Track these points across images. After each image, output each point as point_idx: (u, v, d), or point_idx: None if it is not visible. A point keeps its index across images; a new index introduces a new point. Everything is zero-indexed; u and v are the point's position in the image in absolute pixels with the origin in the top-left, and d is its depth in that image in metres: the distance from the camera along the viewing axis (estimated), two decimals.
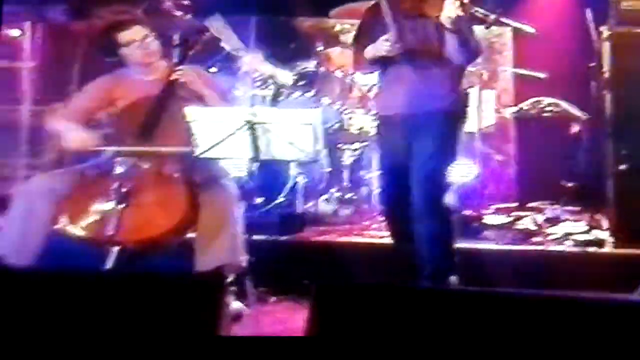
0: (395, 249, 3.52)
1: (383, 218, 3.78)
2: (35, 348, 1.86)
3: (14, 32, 4.66)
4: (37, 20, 4.90)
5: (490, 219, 4.31)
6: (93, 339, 1.86)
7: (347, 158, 4.55)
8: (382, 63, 3.40)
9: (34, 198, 3.23)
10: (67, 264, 3.07)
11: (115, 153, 3.28)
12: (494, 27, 3.83)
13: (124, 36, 3.54)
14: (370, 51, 3.35)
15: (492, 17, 3.25)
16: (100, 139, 3.43)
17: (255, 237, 3.46)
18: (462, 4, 3.11)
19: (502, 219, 4.33)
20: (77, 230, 3.15)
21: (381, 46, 3.27)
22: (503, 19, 3.55)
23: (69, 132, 3.40)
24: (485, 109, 4.77)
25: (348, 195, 4.48)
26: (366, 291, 2.05)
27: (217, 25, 4.59)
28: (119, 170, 3.11)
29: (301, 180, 4.33)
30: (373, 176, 4.46)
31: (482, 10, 3.31)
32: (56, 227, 3.21)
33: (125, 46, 3.53)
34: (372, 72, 3.68)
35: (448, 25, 3.16)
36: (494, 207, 4.60)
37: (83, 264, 3.07)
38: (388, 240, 3.64)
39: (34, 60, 4.75)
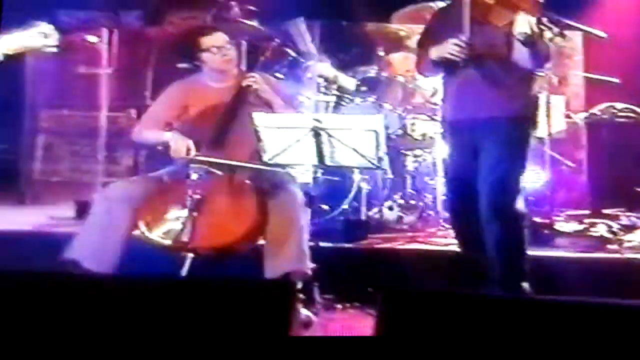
0: (462, 256, 3.47)
1: (449, 225, 3.75)
2: (115, 352, 1.92)
3: (92, 39, 4.80)
4: (113, 27, 5.00)
5: (561, 226, 4.22)
6: (169, 342, 1.90)
7: (410, 164, 4.52)
8: (447, 67, 3.36)
9: (112, 204, 3.29)
10: (146, 269, 3.12)
11: (189, 160, 3.33)
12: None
13: (205, 41, 3.58)
14: (436, 52, 3.31)
15: (560, 25, 3.20)
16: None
17: (320, 244, 3.46)
18: (535, 21, 3.08)
19: (574, 226, 4.25)
20: (155, 236, 3.22)
21: (449, 48, 3.23)
22: (573, 24, 3.48)
23: (173, 140, 3.43)
24: (555, 114, 4.66)
25: (412, 202, 4.44)
26: (434, 298, 2.03)
27: (299, 29, 4.65)
28: (193, 177, 3.16)
29: (365, 187, 4.31)
30: (437, 182, 4.41)
31: (551, 18, 3.25)
32: (135, 233, 3.28)
33: (205, 51, 3.57)
34: (435, 75, 3.67)
35: (520, 38, 3.12)
36: (565, 214, 4.51)
37: (161, 270, 3.12)
38: (454, 247, 3.59)
39: (111, 67, 4.84)
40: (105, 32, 4.84)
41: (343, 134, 3.08)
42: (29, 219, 4.28)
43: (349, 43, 5.41)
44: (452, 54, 3.23)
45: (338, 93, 4.69)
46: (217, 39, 3.59)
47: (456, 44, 3.22)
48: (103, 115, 4.74)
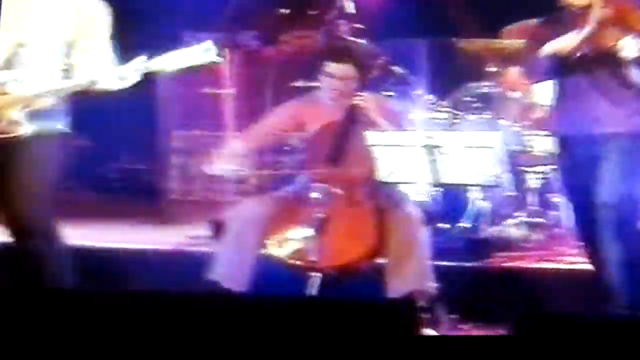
0: (592, 275, 3.30)
1: (579, 242, 3.56)
2: None
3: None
4: (233, 47, 5.13)
5: None
6: None
7: (532, 181, 4.34)
8: (559, 73, 3.21)
9: (243, 223, 3.36)
10: (275, 288, 3.24)
11: (310, 178, 3.41)
12: None
13: (334, 68, 3.57)
14: (551, 47, 3.12)
15: None
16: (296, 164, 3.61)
17: (441, 263, 3.42)
18: None
19: None
20: (283, 255, 3.29)
21: (569, 39, 3.05)
22: None
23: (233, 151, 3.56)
24: None
25: (537, 220, 4.27)
26: (570, 321, 1.95)
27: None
28: (314, 196, 3.21)
29: (484, 205, 4.19)
30: (564, 199, 4.17)
31: None
32: (264, 252, 3.36)
33: (329, 77, 3.59)
34: (544, 80, 3.53)
35: (631, 58, 3.01)
36: None
37: (289, 289, 3.23)
38: (585, 266, 3.43)
39: (232, 87, 4.95)
40: (226, 52, 5.02)
41: (458, 151, 3.03)
42: (169, 238, 4.40)
43: (457, 60, 5.35)
44: (570, 44, 3.04)
45: (450, 110, 4.63)
46: (346, 70, 3.57)
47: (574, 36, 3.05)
48: (229, 135, 4.82)
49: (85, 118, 3.12)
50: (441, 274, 3.29)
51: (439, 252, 3.48)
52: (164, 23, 5.37)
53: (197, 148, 5.30)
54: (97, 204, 5.57)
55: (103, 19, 3.02)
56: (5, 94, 2.87)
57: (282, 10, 5.67)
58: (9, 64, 2.92)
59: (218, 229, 4.04)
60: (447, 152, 3.05)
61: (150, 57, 2.86)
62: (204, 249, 3.97)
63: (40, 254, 2.93)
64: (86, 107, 3.05)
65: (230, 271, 3.30)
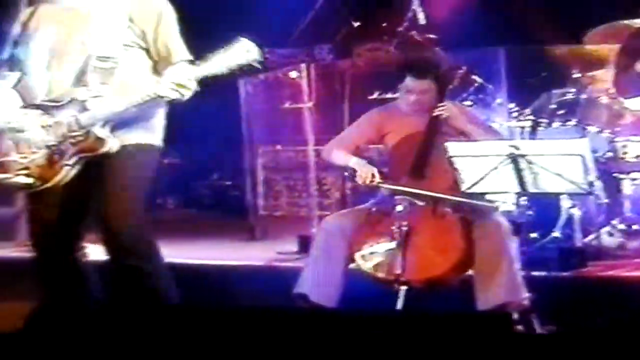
0: None
1: None
2: None
3: (293, 74, 5.05)
4: (309, 61, 5.20)
5: None
6: None
7: (627, 188, 4.19)
8: None
9: (329, 237, 3.38)
10: (363, 301, 3.23)
11: (392, 191, 3.37)
12: None
13: (413, 83, 3.57)
14: None
15: None
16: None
17: (534, 273, 3.34)
18: None
19: None
20: (369, 268, 3.27)
21: None
22: None
23: (358, 166, 3.51)
24: None
25: (634, 227, 4.13)
26: None
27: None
28: (398, 208, 3.19)
29: (576, 213, 4.08)
30: None
31: None
32: (351, 265, 3.35)
33: (409, 92, 3.59)
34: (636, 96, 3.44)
35: None
36: None
37: (377, 302, 3.21)
38: None
39: (311, 101, 5.01)
40: (303, 66, 5.10)
41: (545, 159, 2.96)
42: (259, 253, 4.49)
43: (538, 67, 5.25)
44: None
45: (533, 118, 4.55)
46: (425, 85, 3.57)
47: None
48: (310, 150, 4.94)
49: (174, 134, 3.14)
50: (534, 284, 3.20)
51: (531, 262, 3.39)
52: (242, 38, 5.49)
53: (280, 163, 5.39)
54: (187, 220, 5.73)
55: (173, 22, 2.99)
56: (86, 110, 2.86)
57: (355, 23, 5.71)
58: (82, 80, 2.90)
59: (305, 244, 4.11)
60: (534, 161, 2.98)
61: (194, 63, 2.84)
62: (293, 264, 4.02)
63: (144, 271, 2.92)
64: (174, 123, 3.08)
65: (318, 285, 3.30)
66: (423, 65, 3.72)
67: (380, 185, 3.42)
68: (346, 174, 3.62)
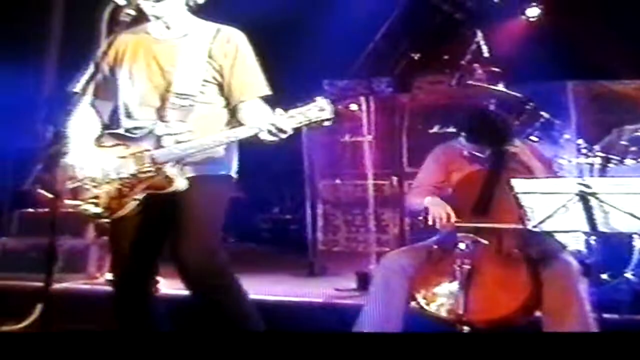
0: None
1: None
2: None
3: (353, 107, 5.08)
4: (368, 94, 5.23)
5: None
6: None
7: None
8: None
9: (388, 275, 3.34)
10: None
11: (455, 229, 3.31)
12: None
13: (467, 145, 3.57)
14: None
15: None
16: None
17: (605, 315, 3.23)
18: None
19: None
20: (431, 309, 3.21)
21: None
22: None
23: (432, 205, 3.45)
24: None
25: None
26: None
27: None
28: (461, 247, 3.14)
29: None
30: None
31: None
32: (413, 304, 3.30)
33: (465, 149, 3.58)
34: None
35: None
36: None
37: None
38: None
39: (370, 134, 5.04)
40: (362, 99, 5.11)
41: (616, 198, 2.87)
42: (317, 290, 4.48)
43: (608, 102, 5.15)
44: None
45: (603, 154, 4.45)
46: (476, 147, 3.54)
47: None
48: (369, 184, 4.94)
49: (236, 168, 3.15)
50: (606, 327, 3.10)
51: (602, 305, 3.26)
52: (302, 69, 5.56)
53: (339, 198, 5.39)
54: (246, 254, 5.76)
55: (250, 57, 3.04)
56: (161, 146, 2.91)
57: (415, 55, 5.72)
58: (162, 115, 2.94)
59: (364, 281, 4.07)
60: (604, 199, 2.90)
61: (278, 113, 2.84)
62: (351, 301, 3.99)
63: (221, 302, 2.94)
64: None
65: (377, 325, 3.26)
66: (477, 130, 3.62)
67: (459, 225, 3.33)
68: (420, 218, 3.54)
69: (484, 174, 3.46)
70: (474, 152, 3.59)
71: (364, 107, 5.09)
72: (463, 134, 3.59)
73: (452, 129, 4.90)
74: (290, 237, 6.27)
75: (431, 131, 4.76)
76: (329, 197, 5.48)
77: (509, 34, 6.39)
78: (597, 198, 2.92)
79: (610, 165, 4.39)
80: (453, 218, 3.37)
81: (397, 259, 3.42)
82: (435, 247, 3.41)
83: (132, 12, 2.92)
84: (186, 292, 3.03)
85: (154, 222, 2.97)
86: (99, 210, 2.94)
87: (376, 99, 5.41)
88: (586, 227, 3.00)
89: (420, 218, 3.51)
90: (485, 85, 4.74)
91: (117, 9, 2.91)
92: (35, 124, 5.35)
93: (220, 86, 3.02)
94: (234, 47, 3.01)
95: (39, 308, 4.07)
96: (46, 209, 4.74)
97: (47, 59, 6.13)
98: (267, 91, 3.05)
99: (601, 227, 2.99)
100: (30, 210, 5.01)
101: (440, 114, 5.04)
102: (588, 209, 2.96)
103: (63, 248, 4.71)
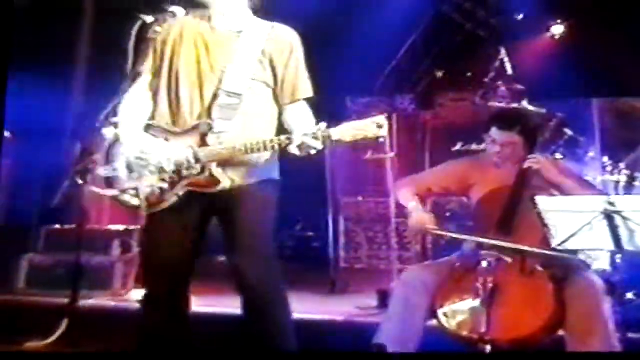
0: None
1: None
2: None
3: None
4: (391, 111, 5.27)
5: None
6: None
7: None
8: None
9: (409, 291, 3.32)
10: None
11: (478, 245, 3.31)
12: None
13: (497, 135, 3.54)
14: None
15: None
16: (458, 230, 3.54)
17: (630, 335, 3.21)
18: None
19: None
20: (452, 326, 3.20)
21: None
22: None
23: (414, 211, 3.46)
24: None
25: None
26: None
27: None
28: (484, 264, 3.12)
29: None
30: None
31: None
32: (433, 321, 3.28)
33: (493, 142, 3.55)
34: None
35: None
36: None
37: None
38: None
39: (393, 151, 5.04)
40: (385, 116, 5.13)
41: None
42: (339, 307, 4.49)
43: (633, 119, 5.13)
44: None
45: (628, 172, 4.43)
46: (510, 137, 3.52)
47: None
48: (392, 201, 4.93)
49: None
50: (631, 347, 3.08)
51: (627, 324, 3.25)
52: (325, 86, 5.61)
53: (361, 215, 5.41)
54: None
55: (302, 57, 2.97)
56: (205, 145, 2.82)
57: (438, 73, 5.75)
58: (208, 112, 2.86)
59: (384, 299, 4.07)
60: (630, 217, 2.87)
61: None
62: (372, 319, 3.99)
63: (278, 317, 2.89)
64: None
65: (396, 338, 3.25)
66: (509, 117, 3.69)
67: (431, 232, 3.39)
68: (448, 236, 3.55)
69: (507, 192, 3.45)
70: (496, 166, 3.56)
71: (386, 123, 5.11)
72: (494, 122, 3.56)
73: (475, 147, 4.91)
74: (312, 254, 6.28)
75: (454, 149, 4.76)
76: (351, 214, 5.49)
77: (533, 51, 6.40)
78: (622, 216, 2.90)
79: (636, 183, 4.37)
80: (430, 225, 3.42)
81: (418, 275, 3.42)
82: (458, 264, 3.41)
83: (159, 29, 2.92)
84: (218, 310, 2.99)
85: (193, 221, 2.91)
86: (136, 202, 2.86)
87: (399, 117, 5.44)
88: (611, 246, 2.98)
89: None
90: (509, 102, 4.75)
91: (145, 26, 2.90)
92: (63, 140, 5.43)
93: (270, 86, 2.95)
94: (288, 45, 2.95)
95: (64, 324, 4.12)
96: (73, 226, 4.81)
97: (75, 76, 6.23)
98: (312, 93, 2.99)
99: (626, 246, 2.97)
100: (57, 226, 5.07)
101: (464, 132, 5.04)
102: (613, 227, 2.94)
103: (89, 265, 4.75)
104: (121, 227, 5.09)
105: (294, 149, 2.76)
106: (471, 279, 3.19)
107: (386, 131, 2.80)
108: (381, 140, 2.82)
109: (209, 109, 2.88)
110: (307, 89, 2.99)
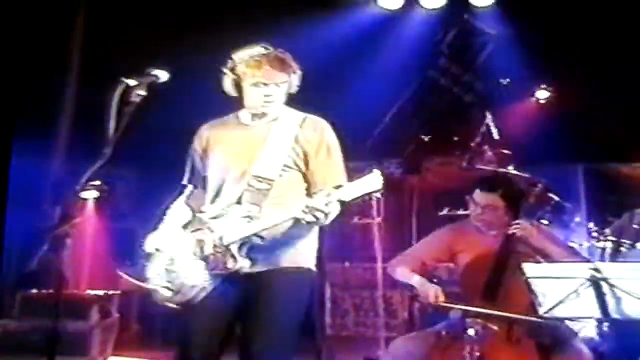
0: None
1: None
2: None
3: None
4: None
5: None
6: None
7: None
8: None
9: None
10: None
11: (464, 313, 3.30)
12: None
13: (480, 196, 3.59)
14: None
15: None
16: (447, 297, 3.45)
17: None
18: None
19: None
20: None
21: None
22: None
23: (422, 286, 3.46)
24: None
25: None
26: None
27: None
28: (470, 332, 3.11)
29: None
30: None
31: None
32: None
33: (475, 205, 3.59)
34: None
35: None
36: None
37: None
38: None
39: (380, 216, 5.04)
40: None
41: (628, 283, 2.84)
42: None
43: (619, 185, 5.18)
44: None
45: (614, 238, 4.45)
46: (495, 200, 3.56)
47: None
48: (378, 267, 4.91)
49: None
50: None
51: None
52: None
53: (347, 281, 5.36)
54: None
55: (335, 148, 3.03)
56: (232, 228, 2.83)
57: (425, 137, 5.79)
58: (239, 198, 2.90)
59: None
60: (617, 284, 2.87)
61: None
62: None
63: None
64: None
65: None
66: (492, 179, 3.73)
67: (445, 305, 3.36)
68: (409, 293, 3.55)
69: (492, 258, 3.45)
70: (481, 232, 3.57)
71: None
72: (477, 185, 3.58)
73: (462, 212, 4.92)
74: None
75: (441, 213, 4.77)
76: (338, 279, 5.45)
77: (519, 116, 6.48)
78: (608, 283, 2.90)
79: (621, 249, 4.37)
80: (441, 298, 3.38)
81: (405, 346, 3.41)
82: (444, 332, 3.38)
83: (143, 93, 2.94)
84: None
85: (225, 309, 2.89)
86: (169, 294, 2.89)
87: (386, 181, 5.45)
88: (598, 313, 2.97)
89: (409, 294, 3.50)
90: (495, 167, 4.79)
91: (128, 89, 2.91)
92: (40, 205, 5.40)
93: (302, 172, 2.99)
94: (319, 134, 3.02)
95: None
96: (50, 290, 4.73)
97: (56, 140, 6.24)
98: (343, 181, 2.99)
99: (613, 313, 2.95)
100: (34, 291, 5.00)
101: (450, 196, 5.06)
102: (600, 295, 2.93)
103: (66, 331, 4.67)
104: (100, 292, 5.01)
105: (300, 215, 2.79)
106: (457, 348, 3.17)
107: (381, 185, 2.85)
108: (377, 195, 2.84)
109: (240, 194, 2.92)
110: (338, 178, 3.00)
